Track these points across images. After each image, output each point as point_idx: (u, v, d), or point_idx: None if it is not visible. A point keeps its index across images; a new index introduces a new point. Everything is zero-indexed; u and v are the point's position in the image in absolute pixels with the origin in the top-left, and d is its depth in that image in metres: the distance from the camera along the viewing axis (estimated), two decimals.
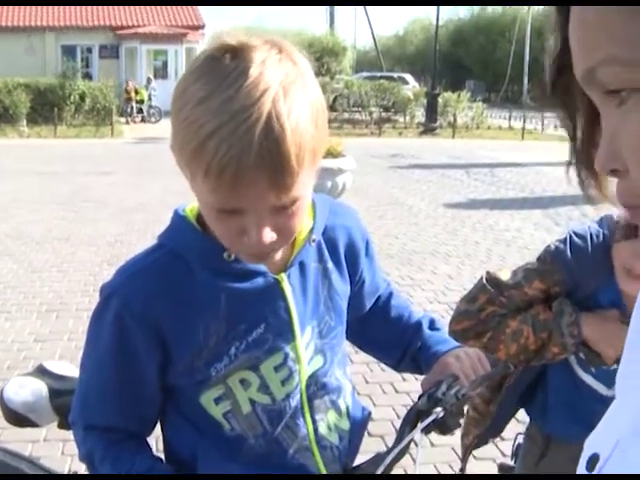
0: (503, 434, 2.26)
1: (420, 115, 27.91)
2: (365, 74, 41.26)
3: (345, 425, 1.40)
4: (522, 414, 2.14)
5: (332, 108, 28.64)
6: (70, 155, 16.64)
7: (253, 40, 1.07)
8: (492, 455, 3.47)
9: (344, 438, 1.40)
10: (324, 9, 53.16)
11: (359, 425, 1.47)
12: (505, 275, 1.91)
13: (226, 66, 1.03)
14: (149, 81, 29.66)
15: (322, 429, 1.35)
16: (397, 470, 1.37)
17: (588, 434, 0.70)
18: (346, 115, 28.44)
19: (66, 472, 3.24)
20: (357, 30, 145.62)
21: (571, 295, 1.85)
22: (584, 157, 0.65)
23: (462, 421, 1.37)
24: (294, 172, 1.03)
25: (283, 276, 1.26)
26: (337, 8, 52.59)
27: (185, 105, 1.05)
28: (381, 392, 4.48)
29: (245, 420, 1.28)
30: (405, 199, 12.05)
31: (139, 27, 34.16)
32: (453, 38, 57.12)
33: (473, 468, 3.50)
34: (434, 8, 27.80)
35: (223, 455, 1.29)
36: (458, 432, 1.33)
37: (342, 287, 1.38)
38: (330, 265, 1.35)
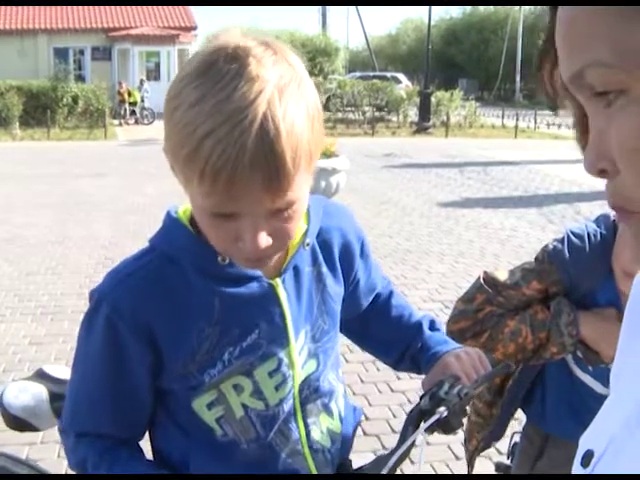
0: None
1: (413, 114, 27.89)
2: (358, 74, 41.29)
3: (337, 428, 1.40)
4: (518, 412, 2.14)
5: (325, 108, 28.57)
6: (63, 158, 16.59)
7: (248, 41, 1.04)
8: (488, 454, 3.48)
9: (336, 441, 1.39)
10: (316, 10, 53.16)
11: (351, 427, 1.46)
12: (502, 275, 1.91)
13: (220, 68, 1.01)
14: (142, 83, 29.59)
15: (314, 433, 1.34)
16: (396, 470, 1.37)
17: None
18: (339, 115, 28.42)
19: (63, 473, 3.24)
20: (350, 30, 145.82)
21: (569, 295, 1.85)
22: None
23: (465, 421, 1.37)
24: (290, 175, 1.01)
25: (278, 281, 1.24)
26: (329, 8, 52.59)
27: (178, 107, 1.03)
28: (376, 391, 4.49)
29: (238, 425, 1.27)
30: (399, 198, 12.05)
31: (131, 29, 34.07)
32: (445, 37, 57.15)
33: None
34: (426, 7, 27.80)
35: (215, 461, 1.27)
36: (453, 433, 1.33)
37: (336, 290, 1.36)
38: (324, 269, 1.33)
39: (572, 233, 1.86)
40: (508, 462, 2.23)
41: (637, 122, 0.52)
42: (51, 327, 5.63)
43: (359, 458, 1.46)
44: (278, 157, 0.99)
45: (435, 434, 1.31)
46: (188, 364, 1.22)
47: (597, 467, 0.66)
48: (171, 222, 1.24)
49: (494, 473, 2.49)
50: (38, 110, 24.09)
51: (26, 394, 1.76)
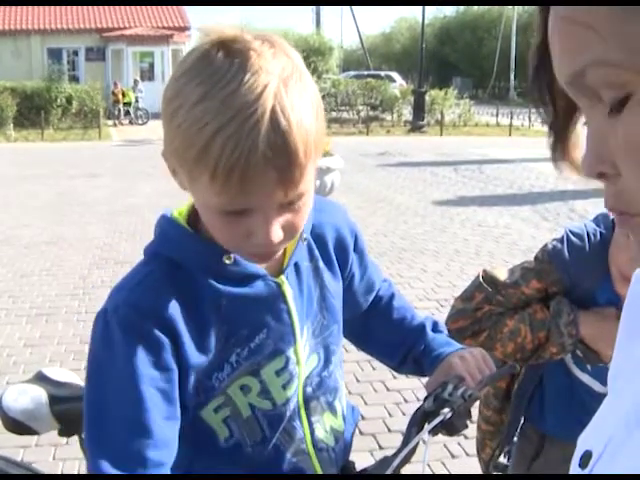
0: None
1: (407, 113, 27.92)
2: (352, 73, 41.37)
3: (340, 427, 1.39)
4: None
5: None
6: (58, 158, 16.58)
7: (245, 36, 1.03)
8: None
9: (340, 440, 1.39)
10: (310, 9, 53.16)
11: (351, 425, 1.46)
12: (502, 274, 1.90)
13: (221, 63, 0.99)
14: (136, 83, 29.58)
15: (318, 432, 1.33)
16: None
17: None
18: (334, 114, 28.42)
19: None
20: (344, 29, 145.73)
21: (569, 294, 1.84)
22: (560, 151, 0.64)
23: (471, 425, 1.35)
24: (302, 166, 1.01)
25: (283, 279, 1.23)
26: (323, 8, 52.58)
27: (180, 108, 1.00)
28: (372, 391, 4.48)
29: (245, 424, 1.25)
30: (394, 197, 12.06)
31: (125, 29, 34.02)
32: (439, 36, 57.22)
33: (467, 465, 3.52)
34: (420, 6, 27.82)
35: (219, 468, 1.25)
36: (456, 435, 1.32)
37: (334, 285, 1.35)
38: (321, 264, 1.33)
39: (571, 232, 1.85)
40: (505, 462, 2.22)
41: None
42: (46, 329, 5.61)
43: (355, 457, 1.45)
44: (291, 149, 0.98)
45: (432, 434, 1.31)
46: (200, 370, 1.17)
47: (595, 468, 0.65)
48: (170, 226, 1.21)
49: (493, 473, 2.48)
50: (32, 111, 24.10)
51: (25, 397, 1.75)
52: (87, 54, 34.85)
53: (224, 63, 0.99)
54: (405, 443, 1.23)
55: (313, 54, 37.25)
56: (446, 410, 1.24)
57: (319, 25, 48.94)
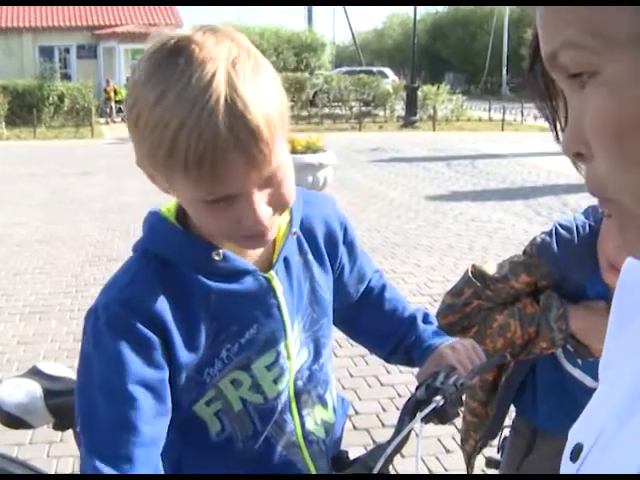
0: None
1: (400, 109, 27.90)
2: (344, 69, 41.27)
3: (331, 419, 1.40)
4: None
5: (312, 103, 28.65)
6: (50, 156, 16.54)
7: (185, 32, 1.06)
8: None
9: (330, 432, 1.39)
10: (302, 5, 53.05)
11: (341, 417, 1.46)
12: (491, 268, 1.89)
13: (169, 63, 1.01)
14: (128, 80, 29.50)
15: (309, 424, 1.34)
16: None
17: None
18: (326, 110, 28.42)
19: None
20: (336, 25, 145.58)
21: (558, 288, 1.84)
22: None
23: (459, 419, 1.36)
24: (269, 142, 1.02)
25: (273, 274, 1.24)
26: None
27: (141, 113, 1.02)
28: (366, 386, 4.48)
29: (237, 418, 1.26)
30: (386, 193, 12.06)
31: (116, 26, 33.95)
32: (431, 31, 57.22)
33: (461, 460, 3.52)
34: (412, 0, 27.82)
35: (208, 460, 1.26)
36: (448, 424, 1.33)
37: (324, 278, 1.36)
38: (310, 257, 1.33)
39: (560, 226, 1.85)
40: (498, 457, 2.22)
41: (607, 104, 0.51)
42: (39, 326, 5.61)
43: (349, 452, 1.45)
44: (252, 127, 0.99)
45: (426, 428, 1.31)
46: (190, 366, 1.18)
47: (587, 461, 0.65)
48: (159, 222, 1.21)
49: (487, 471, 2.48)
50: (24, 109, 24.03)
51: (20, 391, 1.75)
52: (79, 52, 34.78)
53: (171, 63, 1.01)
54: (397, 432, 1.23)
55: (305, 50, 37.20)
56: (438, 398, 1.25)
57: (311, 21, 48.84)
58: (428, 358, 1.41)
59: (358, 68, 39.64)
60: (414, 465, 1.30)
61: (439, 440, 3.74)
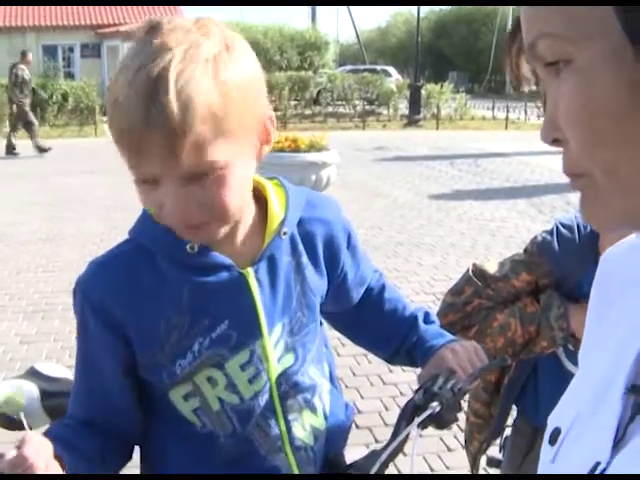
0: None
1: (404, 107, 27.84)
2: (348, 67, 41.23)
3: (321, 425, 1.37)
4: None
5: (316, 102, 28.62)
6: (53, 155, 16.53)
7: (174, 19, 1.11)
8: None
9: (320, 438, 1.37)
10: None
11: (340, 423, 1.44)
12: (492, 267, 1.89)
13: (134, 47, 1.09)
14: None
15: (296, 430, 1.32)
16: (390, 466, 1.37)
17: None
18: (330, 109, 28.36)
19: None
20: (339, 24, 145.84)
21: (559, 286, 1.83)
22: None
23: (462, 419, 1.35)
24: (195, 136, 1.03)
25: (250, 270, 1.24)
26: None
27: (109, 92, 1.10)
28: (368, 384, 4.49)
29: (216, 417, 1.27)
30: (390, 191, 12.05)
31: (120, 25, 33.95)
32: (435, 30, 57.06)
33: (463, 458, 3.52)
34: None
35: (194, 453, 1.27)
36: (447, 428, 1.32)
37: (317, 282, 1.34)
38: (304, 259, 1.32)
39: (561, 224, 1.84)
40: (500, 456, 2.22)
41: (579, 88, 0.55)
42: (42, 325, 5.62)
43: (351, 451, 1.45)
44: (167, 115, 1.02)
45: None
46: (157, 354, 1.23)
47: (564, 444, 0.67)
48: (143, 212, 1.27)
49: (489, 470, 2.48)
50: None
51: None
52: (82, 51, 34.80)
53: (134, 47, 1.09)
54: (394, 436, 1.23)
55: (309, 49, 37.14)
56: (435, 404, 1.24)
57: (315, 20, 48.81)
58: (429, 361, 1.40)
59: (362, 67, 39.62)
60: (409, 466, 1.30)
61: (441, 439, 3.74)
